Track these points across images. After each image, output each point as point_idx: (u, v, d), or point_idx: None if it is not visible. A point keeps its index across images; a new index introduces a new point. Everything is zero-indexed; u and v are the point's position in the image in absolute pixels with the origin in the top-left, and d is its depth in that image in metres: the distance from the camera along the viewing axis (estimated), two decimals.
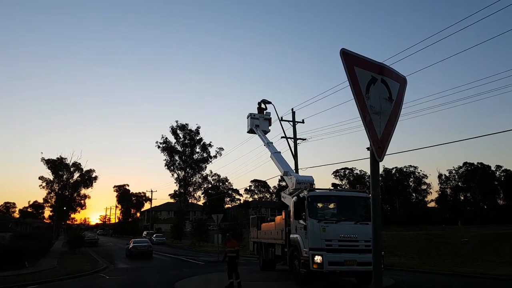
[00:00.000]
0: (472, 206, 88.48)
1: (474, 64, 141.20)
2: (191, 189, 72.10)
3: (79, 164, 70.91)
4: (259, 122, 23.31)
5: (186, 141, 70.41)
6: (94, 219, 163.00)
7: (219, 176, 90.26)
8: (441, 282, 16.20)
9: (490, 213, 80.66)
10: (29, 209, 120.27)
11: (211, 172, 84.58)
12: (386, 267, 17.53)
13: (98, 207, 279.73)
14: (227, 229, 41.24)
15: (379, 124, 3.09)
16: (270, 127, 23.95)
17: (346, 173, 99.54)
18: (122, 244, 59.34)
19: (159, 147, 69.87)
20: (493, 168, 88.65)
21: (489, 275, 16.81)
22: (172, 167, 70.28)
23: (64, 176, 70.37)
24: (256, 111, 23.86)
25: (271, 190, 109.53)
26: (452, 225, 63.73)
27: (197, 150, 71.11)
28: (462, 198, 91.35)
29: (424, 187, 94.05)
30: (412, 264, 21.90)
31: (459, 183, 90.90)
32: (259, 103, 24.16)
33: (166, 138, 70.08)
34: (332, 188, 67.92)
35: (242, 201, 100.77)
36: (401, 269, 20.25)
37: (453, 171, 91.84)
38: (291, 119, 27.69)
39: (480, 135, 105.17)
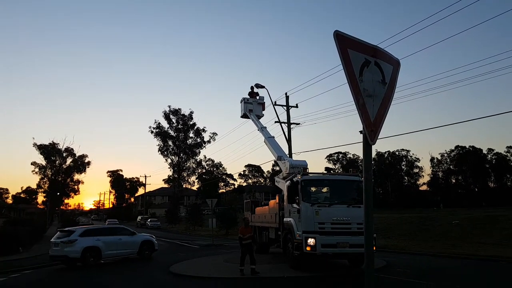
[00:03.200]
0: (463, 189, 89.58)
1: (466, 48, 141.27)
2: (185, 174, 72.26)
3: (72, 149, 70.75)
4: (252, 106, 23.25)
5: (179, 126, 70.16)
6: (88, 205, 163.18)
7: (213, 161, 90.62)
8: (432, 263, 16.50)
9: (480, 195, 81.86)
10: (22, 195, 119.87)
11: (205, 157, 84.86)
12: (378, 249, 17.76)
13: (91, 192, 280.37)
14: (222, 213, 41.47)
15: (372, 107, 3.09)
16: (263, 112, 23.93)
17: (339, 157, 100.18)
18: None
19: (152, 132, 69.65)
20: (484, 151, 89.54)
21: (479, 256, 17.14)
22: (165, 152, 70.21)
23: (57, 162, 70.13)
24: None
25: (265, 175, 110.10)
26: (443, 208, 64.64)
27: (191, 135, 71.02)
28: (454, 181, 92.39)
29: (416, 170, 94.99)
30: (404, 246, 22.25)
31: (451, 166, 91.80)
32: (252, 87, 24.08)
33: (159, 123, 69.81)
34: (325, 172, 68.52)
35: (236, 186, 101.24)
36: (393, 251, 20.57)
37: (445, 155, 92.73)
38: (285, 104, 27.60)
39: (472, 118, 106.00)
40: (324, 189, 15.23)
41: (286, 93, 27.76)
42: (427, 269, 15.05)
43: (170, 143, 70.14)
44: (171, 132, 70.14)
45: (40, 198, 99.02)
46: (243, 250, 13.70)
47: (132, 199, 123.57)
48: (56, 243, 17.56)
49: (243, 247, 13.70)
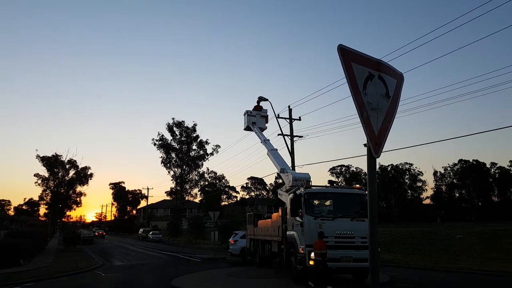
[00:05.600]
0: (467, 203, 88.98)
1: (469, 62, 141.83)
2: (187, 187, 72.12)
3: (75, 161, 70.67)
4: (255, 119, 23.33)
5: (183, 138, 70.34)
6: (90, 217, 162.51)
7: (215, 173, 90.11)
8: (436, 278, 16.30)
9: (483, 210, 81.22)
10: (24, 207, 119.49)
11: (208, 169, 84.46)
12: (382, 263, 17.62)
13: (94, 204, 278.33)
14: (224, 226, 41.20)
15: (376, 121, 3.09)
16: (267, 125, 24.00)
17: (343, 170, 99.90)
18: (118, 242, 59.26)
19: (155, 144, 69.83)
20: (488, 165, 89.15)
21: (484, 271, 16.93)
22: (168, 165, 70.28)
23: (60, 174, 70.08)
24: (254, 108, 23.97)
25: (267, 188, 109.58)
26: (445, 222, 64.12)
27: (194, 147, 71.12)
28: (457, 195, 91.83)
29: (419, 184, 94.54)
30: (407, 260, 22.01)
31: (454, 180, 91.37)
32: (258, 101, 24.23)
33: (163, 135, 70.04)
34: (329, 185, 68.20)
35: (238, 199, 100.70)
36: (396, 265, 20.34)
37: (448, 168, 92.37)
38: (288, 116, 27.66)
39: (475, 132, 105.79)
40: (327, 202, 15.15)
41: (289, 106, 27.86)
42: (431, 284, 14.87)
43: (173, 155, 70.27)
44: (174, 144, 70.33)
45: (42, 210, 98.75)
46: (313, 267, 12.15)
47: (134, 212, 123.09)
48: (230, 242, 24.52)
49: (315, 264, 12.07)
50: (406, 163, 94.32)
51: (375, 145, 3.04)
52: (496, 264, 18.45)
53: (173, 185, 73.26)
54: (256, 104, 24.14)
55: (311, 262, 12.70)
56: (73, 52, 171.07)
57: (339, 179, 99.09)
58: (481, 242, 23.66)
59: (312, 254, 12.36)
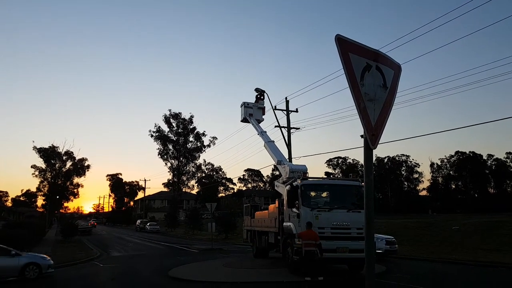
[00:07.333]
0: (463, 194, 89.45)
1: (466, 54, 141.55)
2: (184, 178, 72.17)
3: (72, 152, 70.73)
4: (252, 111, 23.29)
5: (180, 130, 70.23)
6: (88, 208, 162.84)
7: (212, 165, 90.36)
8: (432, 269, 16.44)
9: (480, 201, 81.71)
10: (21, 198, 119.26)
11: (205, 161, 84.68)
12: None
13: (91, 196, 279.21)
14: (221, 217, 41.38)
15: (373, 112, 3.07)
16: (263, 116, 23.95)
17: (339, 162, 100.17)
18: (116, 233, 59.42)
19: (152, 136, 69.70)
20: (484, 157, 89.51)
21: (479, 261, 17.10)
22: (165, 156, 70.23)
23: (57, 165, 70.14)
24: (251, 100, 23.94)
25: (264, 179, 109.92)
26: (441, 213, 64.53)
27: (191, 139, 71.05)
28: (454, 186, 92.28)
29: (416, 175, 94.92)
30: (403, 251, 22.16)
31: (451, 172, 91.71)
32: (261, 93, 24.18)
33: (159, 127, 69.87)
34: (325, 176, 68.41)
35: (235, 190, 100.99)
36: (392, 256, 20.49)
37: (445, 160, 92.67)
38: (285, 108, 27.61)
39: (472, 124, 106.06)
40: (324, 194, 15.22)
41: (286, 98, 27.80)
42: (426, 275, 15.01)
43: (170, 147, 70.19)
44: (171, 136, 70.21)
45: (40, 201, 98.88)
46: (303, 259, 12.03)
47: (132, 203, 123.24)
48: None
49: (305, 255, 11.92)
50: (403, 154, 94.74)
51: (372, 136, 3.02)
52: (491, 255, 18.64)
53: (170, 177, 73.30)
54: (258, 96, 24.10)
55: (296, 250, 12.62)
56: (69, 43, 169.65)
57: (336, 171, 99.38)
58: (477, 233, 23.86)
59: (299, 242, 12.37)
